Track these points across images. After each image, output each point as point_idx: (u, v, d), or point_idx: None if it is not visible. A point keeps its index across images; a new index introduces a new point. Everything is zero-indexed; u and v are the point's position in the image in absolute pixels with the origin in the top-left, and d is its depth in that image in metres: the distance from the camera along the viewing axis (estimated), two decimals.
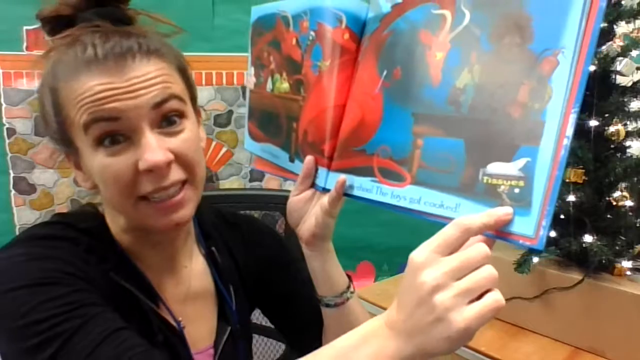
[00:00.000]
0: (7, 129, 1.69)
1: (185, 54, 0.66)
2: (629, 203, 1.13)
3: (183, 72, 0.64)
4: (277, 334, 0.95)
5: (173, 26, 0.65)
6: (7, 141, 1.70)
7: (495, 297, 0.45)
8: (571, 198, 1.09)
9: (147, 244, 0.68)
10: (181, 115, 0.61)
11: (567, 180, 1.09)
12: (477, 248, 0.46)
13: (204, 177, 0.65)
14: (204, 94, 1.87)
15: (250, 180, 2.01)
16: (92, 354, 0.52)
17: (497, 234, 0.49)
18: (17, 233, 0.94)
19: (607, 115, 1.11)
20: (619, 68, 1.10)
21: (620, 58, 1.10)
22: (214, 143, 1.93)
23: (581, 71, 0.46)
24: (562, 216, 1.13)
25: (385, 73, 0.62)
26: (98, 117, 0.57)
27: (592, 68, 1.09)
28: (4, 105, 1.68)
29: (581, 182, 1.10)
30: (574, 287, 1.10)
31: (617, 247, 1.10)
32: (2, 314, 0.55)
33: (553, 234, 1.16)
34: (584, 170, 1.10)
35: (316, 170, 0.69)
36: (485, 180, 0.51)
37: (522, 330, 1.20)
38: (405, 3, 0.61)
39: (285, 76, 0.75)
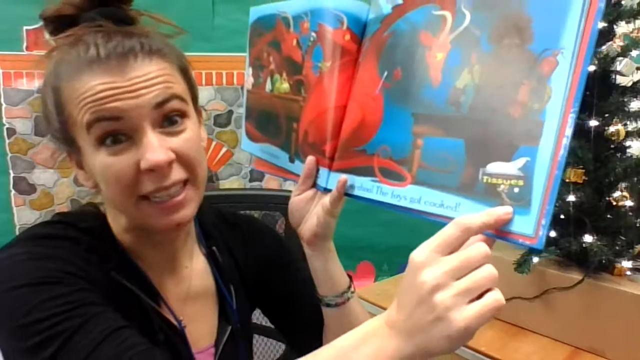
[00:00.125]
0: (7, 129, 1.70)
1: (185, 54, 0.66)
2: (629, 203, 1.12)
3: (185, 72, 0.64)
4: (277, 334, 0.95)
5: (174, 27, 0.66)
6: (7, 141, 1.70)
7: (495, 297, 0.45)
8: (571, 198, 1.09)
9: (148, 244, 0.68)
10: (183, 115, 0.62)
11: (567, 180, 1.09)
12: (477, 247, 0.46)
13: (206, 177, 0.65)
14: (204, 94, 1.87)
15: (250, 180, 2.02)
16: (92, 353, 0.53)
17: (497, 233, 0.49)
18: (17, 233, 0.94)
19: (607, 115, 1.11)
20: (619, 68, 1.10)
21: (620, 58, 1.10)
22: (214, 143, 1.93)
23: (580, 71, 0.46)
24: (562, 216, 1.13)
25: (385, 74, 0.62)
26: (100, 116, 0.57)
27: (592, 68, 1.09)
28: (4, 105, 1.69)
29: (581, 182, 1.10)
30: (574, 287, 1.10)
31: (617, 247, 1.10)
32: (3, 313, 0.55)
33: (553, 234, 1.16)
34: (584, 170, 1.10)
35: (317, 170, 0.69)
36: (485, 180, 0.51)
37: (522, 330, 1.20)
38: (406, 4, 0.61)
39: (285, 77, 0.75)
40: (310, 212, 0.71)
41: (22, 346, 0.53)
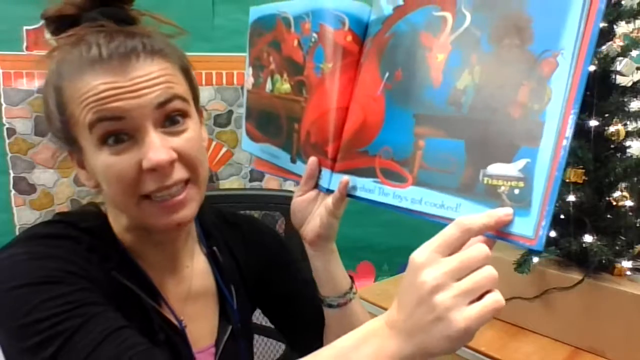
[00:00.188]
0: (7, 129, 1.69)
1: (185, 54, 0.66)
2: (629, 203, 1.13)
3: (186, 72, 0.65)
4: (277, 334, 0.95)
5: (175, 27, 0.66)
6: (7, 141, 1.70)
7: (495, 298, 0.45)
8: (571, 198, 1.10)
9: (149, 243, 0.68)
10: (184, 115, 0.62)
11: (567, 180, 1.10)
12: (478, 248, 0.46)
13: (207, 177, 0.66)
14: (204, 94, 1.87)
15: (250, 180, 2.02)
16: (93, 353, 0.53)
17: (497, 234, 0.49)
18: (17, 233, 0.94)
19: (607, 115, 1.11)
20: (619, 68, 1.10)
21: (620, 58, 1.10)
22: (214, 143, 1.93)
23: (580, 73, 0.46)
24: (562, 216, 1.13)
25: (387, 75, 0.62)
26: (102, 116, 0.57)
27: (592, 68, 1.09)
28: (4, 105, 1.68)
29: (581, 182, 1.10)
30: (574, 287, 1.10)
31: (617, 247, 1.11)
32: (4, 312, 0.55)
33: (553, 234, 1.16)
34: (584, 170, 1.10)
35: (320, 171, 0.69)
36: (485, 181, 0.51)
37: (522, 330, 1.20)
38: (407, 5, 0.61)
39: (285, 77, 0.75)
40: (313, 212, 0.71)
41: (22, 346, 0.53)
